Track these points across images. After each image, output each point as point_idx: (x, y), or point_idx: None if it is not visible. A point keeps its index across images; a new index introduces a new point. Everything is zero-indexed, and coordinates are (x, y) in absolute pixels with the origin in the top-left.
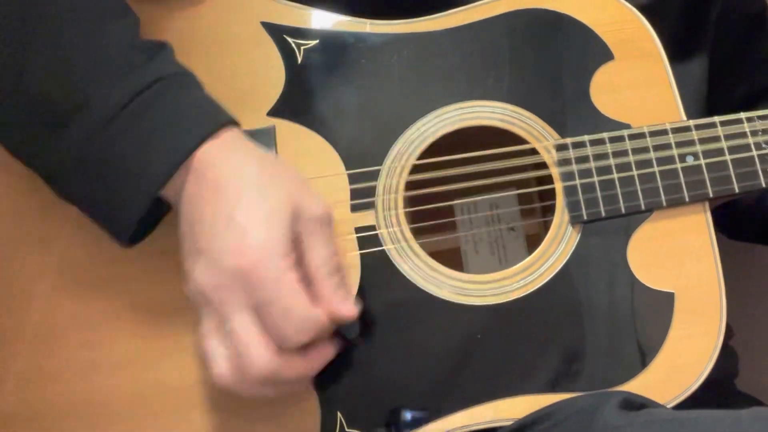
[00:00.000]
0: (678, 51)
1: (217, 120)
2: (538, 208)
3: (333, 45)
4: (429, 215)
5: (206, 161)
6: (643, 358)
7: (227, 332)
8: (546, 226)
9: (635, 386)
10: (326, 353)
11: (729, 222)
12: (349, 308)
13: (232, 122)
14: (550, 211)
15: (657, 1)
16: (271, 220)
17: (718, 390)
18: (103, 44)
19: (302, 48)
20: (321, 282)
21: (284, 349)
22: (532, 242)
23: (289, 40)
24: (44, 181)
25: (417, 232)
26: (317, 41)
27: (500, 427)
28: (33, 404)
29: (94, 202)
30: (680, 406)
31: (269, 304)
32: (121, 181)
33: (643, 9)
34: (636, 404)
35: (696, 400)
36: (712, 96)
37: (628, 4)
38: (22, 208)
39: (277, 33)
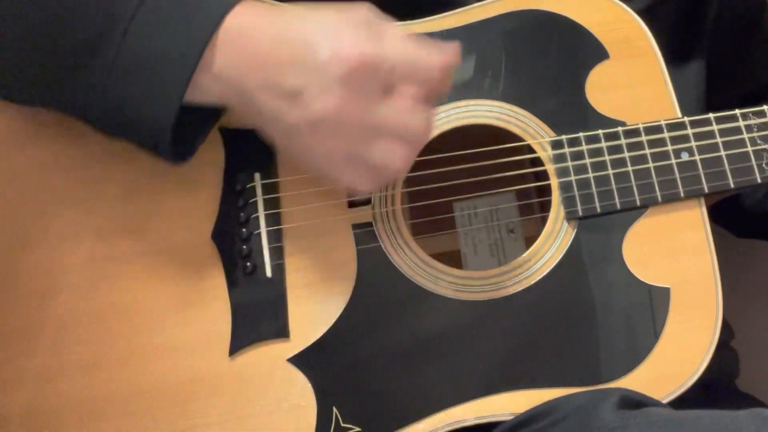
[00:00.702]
0: (675, 53)
1: None
2: (535, 205)
3: None
4: (427, 212)
5: (246, 21)
6: (640, 353)
7: (379, 132)
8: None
9: (632, 381)
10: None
11: (736, 221)
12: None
13: None
14: (547, 208)
15: (653, 4)
16: (343, 22)
17: (719, 390)
18: None
19: None
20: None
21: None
22: (532, 244)
23: None
24: (81, 116)
25: (415, 230)
26: None
27: (498, 423)
28: (40, 402)
29: (133, 103)
30: (678, 402)
31: (398, 69)
32: (154, 76)
33: (639, 12)
34: (634, 402)
35: (696, 401)
36: (710, 97)
37: (622, 4)
38: (22, 208)
39: None
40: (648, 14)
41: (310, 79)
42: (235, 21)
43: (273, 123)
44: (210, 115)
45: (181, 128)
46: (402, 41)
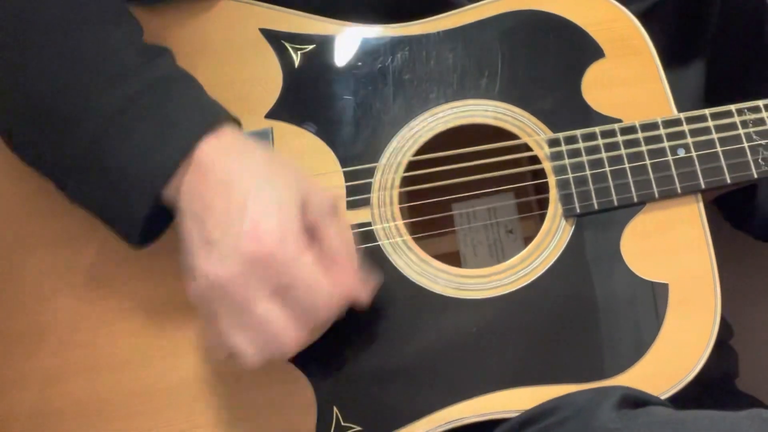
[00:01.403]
0: (676, 56)
1: (217, 117)
2: (534, 203)
3: (329, 49)
4: (426, 212)
5: (210, 157)
6: (638, 349)
7: (250, 323)
8: None
9: (631, 377)
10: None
11: (739, 213)
12: (366, 291)
13: (233, 120)
14: (546, 206)
15: (653, 5)
16: (284, 208)
17: (719, 390)
18: (103, 49)
19: (299, 52)
20: (343, 263)
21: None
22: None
23: (287, 45)
24: (55, 187)
25: (414, 230)
26: (314, 45)
27: (499, 420)
28: (40, 404)
29: (102, 205)
30: (678, 401)
31: (293, 285)
32: (125, 181)
33: (639, 14)
34: (635, 401)
35: (696, 400)
36: (711, 99)
37: (617, 4)
38: (25, 211)
39: (275, 39)
40: (648, 16)
41: (225, 239)
42: (204, 151)
43: (184, 248)
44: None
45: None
46: (313, 266)
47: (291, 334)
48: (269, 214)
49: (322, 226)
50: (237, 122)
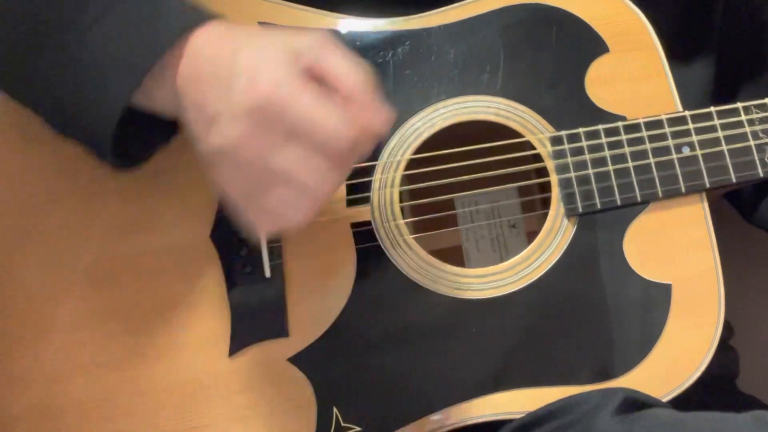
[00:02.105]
0: (680, 49)
1: (206, 13)
2: (537, 201)
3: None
4: (427, 210)
5: (199, 44)
6: (641, 349)
7: (278, 176)
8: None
9: (633, 378)
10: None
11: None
12: (387, 113)
13: (223, 17)
14: (549, 203)
15: None
16: (275, 58)
17: (719, 390)
18: (105, 41)
19: None
20: (357, 93)
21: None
22: (534, 239)
23: None
24: (36, 112)
25: (416, 227)
26: None
27: (500, 422)
28: (40, 402)
29: (79, 108)
30: (678, 401)
31: (299, 123)
32: (104, 76)
33: (637, 2)
34: (638, 403)
35: (697, 401)
36: (718, 96)
37: None
38: (25, 210)
39: None
40: (649, 3)
41: (225, 106)
42: (195, 40)
43: (195, 142)
44: (159, 129)
45: (127, 137)
46: (316, 100)
47: (319, 174)
48: (259, 66)
49: (320, 62)
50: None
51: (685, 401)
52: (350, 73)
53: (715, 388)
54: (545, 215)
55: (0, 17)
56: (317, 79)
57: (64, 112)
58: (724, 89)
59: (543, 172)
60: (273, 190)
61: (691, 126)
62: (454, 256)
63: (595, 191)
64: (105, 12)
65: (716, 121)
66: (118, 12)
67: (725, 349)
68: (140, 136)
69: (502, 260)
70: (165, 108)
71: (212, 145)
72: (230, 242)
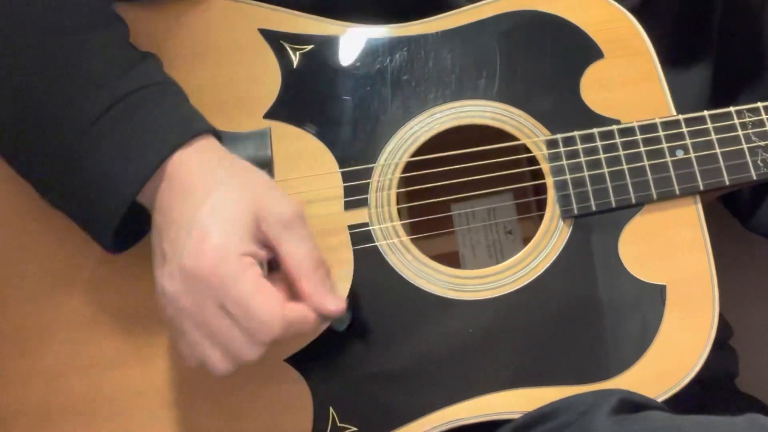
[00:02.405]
0: (678, 54)
1: (191, 128)
2: (533, 204)
3: (327, 49)
4: (424, 212)
5: (178, 169)
6: (636, 350)
7: (208, 334)
8: None
9: (628, 379)
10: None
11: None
12: (334, 302)
13: (209, 130)
14: (544, 207)
15: (647, 3)
16: (233, 222)
17: (719, 390)
18: (84, 55)
19: (298, 52)
20: (303, 278)
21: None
22: None
23: (286, 45)
24: (33, 188)
25: (413, 231)
26: (312, 46)
27: (497, 422)
28: (28, 403)
29: (77, 210)
30: (678, 401)
31: (231, 304)
32: (98, 189)
33: (637, 6)
34: (633, 405)
35: (696, 400)
36: (716, 100)
37: (616, 4)
38: (26, 210)
39: (274, 39)
40: (647, 9)
41: (173, 256)
42: (173, 163)
43: (154, 259)
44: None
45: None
46: (253, 286)
47: (243, 345)
48: (214, 230)
49: (278, 240)
50: (215, 133)
51: (684, 401)
52: (304, 261)
53: (715, 388)
54: (541, 220)
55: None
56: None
57: (62, 200)
58: (722, 93)
59: (538, 175)
60: (203, 340)
61: (684, 129)
62: (450, 262)
63: (590, 193)
64: (97, 119)
65: (709, 125)
66: (105, 122)
67: (725, 349)
68: (131, 226)
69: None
70: (145, 205)
71: (159, 284)
72: None
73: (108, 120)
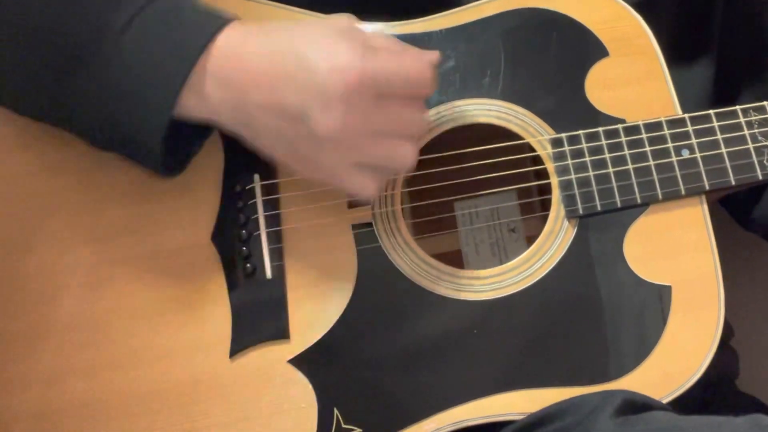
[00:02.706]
0: (680, 53)
1: (225, 16)
2: (537, 204)
3: None
4: (428, 211)
5: (234, 42)
6: (641, 351)
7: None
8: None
9: (633, 380)
10: None
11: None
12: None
13: (234, 16)
14: (549, 206)
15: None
16: (336, 33)
17: (719, 390)
18: None
19: None
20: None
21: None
22: (533, 243)
23: None
24: (72, 130)
25: (416, 230)
26: None
27: (501, 423)
28: (39, 405)
29: (122, 129)
30: (678, 402)
31: (392, 83)
32: (141, 95)
33: (638, 4)
34: (637, 405)
35: (697, 401)
36: (718, 99)
37: (621, 2)
38: (25, 210)
39: None
40: (648, 6)
41: (311, 98)
42: (224, 42)
43: (275, 141)
44: (203, 129)
45: (173, 142)
46: (390, 51)
47: (415, 119)
48: (329, 47)
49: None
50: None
51: (685, 402)
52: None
53: (716, 389)
54: (544, 220)
55: (18, 45)
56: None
57: (103, 130)
58: (724, 93)
59: (542, 174)
60: (380, 148)
61: (690, 128)
62: (453, 260)
63: (596, 193)
64: (128, 23)
65: (715, 124)
66: (139, 23)
67: (725, 349)
68: (181, 144)
69: (501, 264)
70: (198, 115)
71: (310, 137)
72: (231, 244)
73: (141, 23)
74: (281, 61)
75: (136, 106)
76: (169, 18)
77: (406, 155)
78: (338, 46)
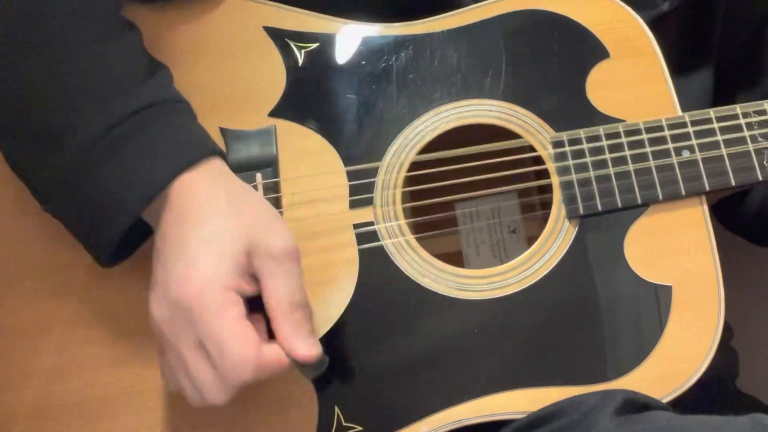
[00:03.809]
0: (682, 67)
1: (197, 151)
2: (537, 204)
3: (333, 47)
4: (428, 211)
5: (181, 192)
6: (642, 351)
7: (183, 367)
8: None
9: (633, 380)
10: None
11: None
12: (306, 348)
13: (215, 153)
14: (549, 206)
15: (658, 16)
16: (223, 252)
17: (719, 390)
18: (93, 69)
19: (303, 51)
20: (278, 320)
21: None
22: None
23: (291, 43)
24: (33, 197)
25: (417, 230)
26: (318, 44)
27: (501, 422)
28: (27, 403)
29: (76, 224)
30: (678, 402)
31: (207, 339)
32: (100, 208)
33: (639, 12)
34: (637, 405)
35: (697, 401)
36: (716, 104)
37: (622, 4)
38: (25, 208)
39: (279, 37)
40: (653, 27)
41: (162, 282)
42: (176, 186)
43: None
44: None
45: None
46: (233, 323)
47: (212, 388)
48: (202, 260)
49: (263, 273)
50: (221, 154)
51: (684, 402)
52: (284, 298)
53: (716, 389)
54: (545, 221)
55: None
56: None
57: (62, 207)
58: (722, 97)
59: (543, 175)
60: (179, 370)
61: (690, 129)
62: (454, 261)
63: (596, 193)
64: (104, 135)
65: (715, 125)
66: (112, 139)
67: (725, 350)
68: (126, 241)
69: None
70: (149, 223)
71: (149, 307)
72: None
73: (117, 136)
74: (176, 236)
75: (105, 205)
76: (142, 140)
77: (188, 399)
78: (211, 262)
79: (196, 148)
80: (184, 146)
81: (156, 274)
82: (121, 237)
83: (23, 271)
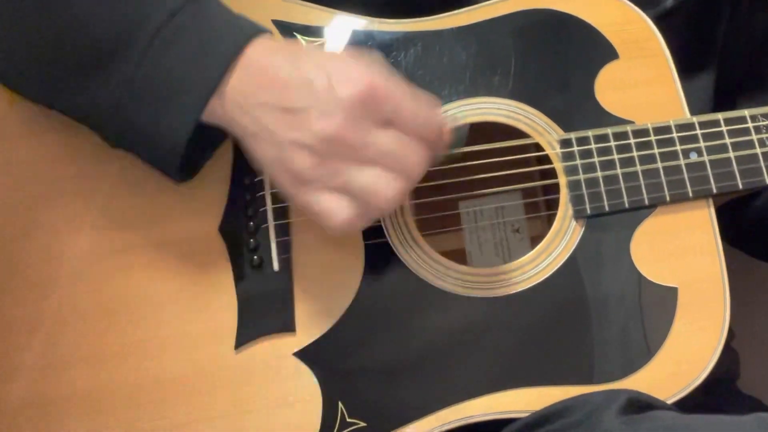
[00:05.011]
0: (684, 68)
1: (254, 27)
2: (542, 203)
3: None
4: (433, 209)
5: (260, 54)
6: (647, 352)
7: (375, 155)
8: (550, 227)
9: (638, 380)
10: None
11: (734, 230)
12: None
13: (264, 30)
14: (554, 206)
15: (661, 16)
16: (356, 58)
17: (720, 391)
18: None
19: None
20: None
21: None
22: (537, 244)
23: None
24: (93, 128)
25: (421, 227)
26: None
27: (505, 420)
28: (42, 393)
29: (145, 131)
30: (684, 401)
31: (398, 111)
32: (170, 98)
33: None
34: (641, 405)
35: (698, 402)
36: (718, 107)
37: (632, 5)
38: (24, 200)
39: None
40: (656, 24)
41: (315, 99)
42: (252, 52)
43: (265, 139)
44: (217, 135)
45: (191, 147)
46: (410, 90)
47: (416, 154)
48: (349, 61)
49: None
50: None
51: (685, 403)
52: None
53: (717, 390)
54: (549, 221)
55: (43, 38)
56: None
57: (122, 128)
58: (724, 101)
59: (548, 174)
60: (368, 171)
61: (698, 132)
62: (457, 259)
63: (604, 194)
64: (160, 28)
65: (723, 128)
66: (171, 27)
67: (726, 351)
68: (196, 150)
69: (505, 264)
70: (215, 119)
71: (301, 137)
72: (239, 235)
73: (173, 29)
74: (299, 69)
75: (164, 106)
76: (202, 24)
77: (388, 193)
78: (359, 66)
79: (252, 25)
80: (245, 23)
81: (294, 107)
82: (197, 119)
83: (21, 262)
